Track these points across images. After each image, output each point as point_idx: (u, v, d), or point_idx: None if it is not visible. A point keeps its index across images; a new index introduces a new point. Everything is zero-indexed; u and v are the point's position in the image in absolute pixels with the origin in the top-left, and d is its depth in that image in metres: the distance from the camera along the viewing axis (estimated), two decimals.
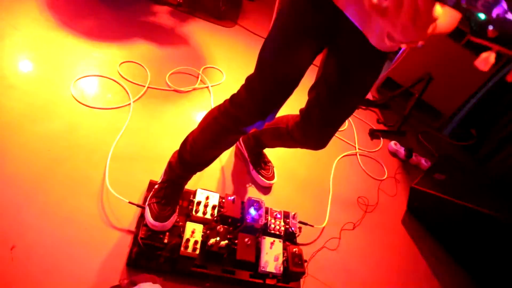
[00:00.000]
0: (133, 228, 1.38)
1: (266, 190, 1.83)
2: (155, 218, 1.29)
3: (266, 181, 1.81)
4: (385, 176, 2.39)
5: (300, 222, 1.64)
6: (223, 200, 1.48)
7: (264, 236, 1.44)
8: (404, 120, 2.79)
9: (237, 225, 1.46)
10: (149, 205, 1.34)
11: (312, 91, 1.30)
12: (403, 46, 0.78)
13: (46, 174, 1.41)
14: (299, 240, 1.61)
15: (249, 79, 1.16)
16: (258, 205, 1.50)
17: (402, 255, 1.94)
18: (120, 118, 1.77)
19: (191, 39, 2.60)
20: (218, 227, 1.38)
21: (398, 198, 2.28)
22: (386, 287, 1.74)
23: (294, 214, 1.61)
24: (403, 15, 0.61)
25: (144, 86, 2.00)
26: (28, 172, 1.39)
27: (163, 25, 2.61)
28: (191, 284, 1.33)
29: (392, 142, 2.67)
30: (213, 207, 1.43)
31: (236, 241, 1.39)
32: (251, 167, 1.84)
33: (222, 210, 1.44)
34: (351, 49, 1.11)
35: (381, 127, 2.85)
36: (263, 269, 1.35)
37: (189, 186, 1.48)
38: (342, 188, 2.11)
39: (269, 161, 1.88)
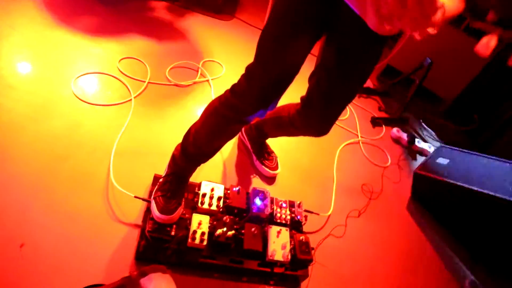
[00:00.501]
0: (139, 222, 1.38)
1: (270, 180, 1.84)
2: (161, 211, 1.29)
3: (270, 171, 1.81)
4: (389, 163, 2.39)
5: (306, 211, 1.64)
6: (228, 192, 1.49)
7: (271, 225, 1.45)
8: (406, 107, 2.78)
9: (243, 216, 1.46)
10: (154, 198, 1.34)
11: (312, 77, 1.29)
12: (417, 37, 0.77)
13: (50, 173, 1.42)
14: (305, 228, 1.61)
15: (249, 69, 1.16)
16: (263, 195, 1.50)
17: (408, 240, 1.95)
18: (121, 114, 1.77)
19: (190, 33, 2.59)
20: (225, 218, 1.38)
21: (402, 185, 2.28)
22: (393, 272, 1.75)
23: (300, 203, 1.62)
24: (409, 8, 0.61)
25: (145, 82, 1.99)
26: (32, 171, 1.40)
27: (161, 20, 2.60)
28: (199, 276, 1.34)
29: (395, 129, 2.66)
30: (219, 199, 1.43)
31: (243, 231, 1.39)
32: (254, 158, 1.84)
33: (227, 201, 1.45)
34: (350, 34, 1.10)
35: (383, 114, 2.84)
36: (271, 258, 1.36)
37: (194, 179, 1.48)
38: (346, 176, 2.11)
39: (272, 152, 1.88)
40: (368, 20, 0.97)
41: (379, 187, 2.16)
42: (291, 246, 1.43)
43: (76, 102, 1.73)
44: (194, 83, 2.18)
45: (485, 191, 1.84)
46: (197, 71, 2.26)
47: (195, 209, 1.40)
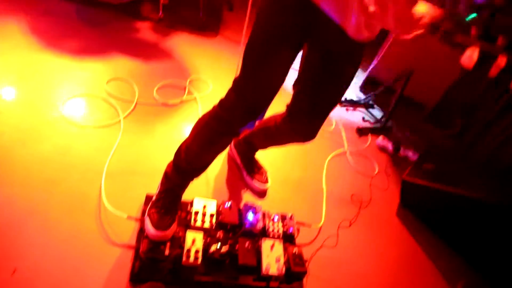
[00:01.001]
0: (133, 242, 1.38)
1: (261, 194, 1.86)
2: (156, 226, 1.30)
3: (261, 185, 1.83)
4: (376, 172, 2.43)
5: (298, 223, 1.66)
6: (220, 208, 1.50)
7: (264, 239, 1.46)
8: (389, 116, 2.85)
9: (236, 231, 1.48)
10: (148, 215, 1.35)
11: (296, 85, 1.34)
12: (406, 37, 0.82)
13: (41, 197, 1.41)
14: (298, 240, 1.63)
15: (236, 82, 1.20)
16: (255, 209, 1.52)
17: (400, 246, 1.98)
18: (111, 135, 1.78)
19: (175, 52, 2.62)
20: (218, 234, 1.40)
21: (391, 192, 2.33)
22: (387, 279, 1.77)
23: (291, 216, 1.64)
24: (389, 16, 0.66)
25: (133, 102, 2.01)
26: (24, 195, 1.39)
27: (147, 40, 2.64)
28: None
29: (380, 138, 2.72)
30: (211, 215, 1.45)
31: (237, 247, 1.41)
32: (244, 173, 1.86)
33: (220, 217, 1.46)
34: (330, 41, 1.15)
35: (368, 124, 2.90)
36: (265, 272, 1.37)
37: (185, 196, 1.49)
38: (336, 187, 2.14)
39: (262, 166, 1.91)
40: (347, 28, 1.02)
41: (368, 196, 2.20)
42: (285, 259, 1.45)
43: (65, 125, 1.74)
44: (182, 101, 2.20)
45: (471, 194, 1.89)
46: (185, 89, 2.29)
47: (188, 227, 1.41)
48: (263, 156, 1.93)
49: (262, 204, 1.58)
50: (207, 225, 1.41)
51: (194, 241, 1.33)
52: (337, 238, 1.82)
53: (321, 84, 1.25)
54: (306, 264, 1.49)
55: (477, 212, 1.91)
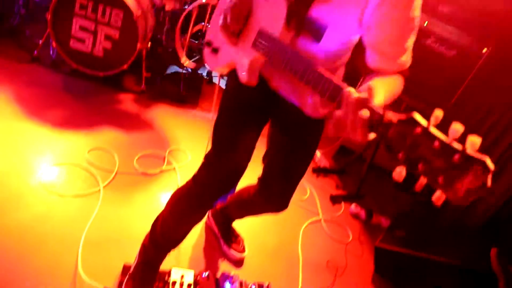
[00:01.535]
0: None
1: (238, 263, 1.87)
2: None
3: (237, 254, 1.85)
4: (350, 239, 2.49)
5: None
6: (198, 278, 1.51)
7: None
8: (361, 184, 2.99)
9: None
10: (125, 287, 1.34)
11: (265, 158, 1.46)
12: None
13: (16, 267, 1.40)
14: None
15: (207, 158, 1.29)
16: (231, 279, 1.54)
17: None
18: (90, 205, 1.80)
19: (156, 123, 2.74)
20: None
21: (365, 259, 2.37)
22: None
23: (268, 285, 1.65)
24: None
25: (113, 171, 2.06)
26: (0, 265, 1.37)
27: (129, 111, 2.76)
28: None
29: (353, 205, 2.82)
30: (189, 285, 1.45)
31: None
32: (222, 242, 1.89)
33: (197, 287, 1.47)
34: (290, 119, 1.30)
35: (341, 192, 3.02)
36: None
37: (163, 265, 1.50)
38: (311, 254, 2.18)
39: (239, 235, 1.94)
40: (304, 108, 1.17)
41: (344, 263, 2.24)
42: None
43: (44, 193, 1.76)
44: (161, 171, 2.27)
45: (441, 258, 1.97)
46: (164, 159, 2.37)
47: None
48: (240, 223, 1.97)
49: (239, 273, 1.60)
50: None
51: None
52: None
53: (286, 157, 1.37)
54: None
55: (447, 276, 1.97)
